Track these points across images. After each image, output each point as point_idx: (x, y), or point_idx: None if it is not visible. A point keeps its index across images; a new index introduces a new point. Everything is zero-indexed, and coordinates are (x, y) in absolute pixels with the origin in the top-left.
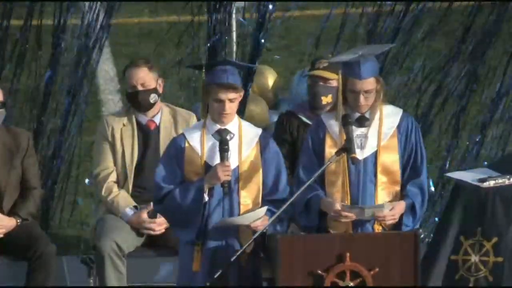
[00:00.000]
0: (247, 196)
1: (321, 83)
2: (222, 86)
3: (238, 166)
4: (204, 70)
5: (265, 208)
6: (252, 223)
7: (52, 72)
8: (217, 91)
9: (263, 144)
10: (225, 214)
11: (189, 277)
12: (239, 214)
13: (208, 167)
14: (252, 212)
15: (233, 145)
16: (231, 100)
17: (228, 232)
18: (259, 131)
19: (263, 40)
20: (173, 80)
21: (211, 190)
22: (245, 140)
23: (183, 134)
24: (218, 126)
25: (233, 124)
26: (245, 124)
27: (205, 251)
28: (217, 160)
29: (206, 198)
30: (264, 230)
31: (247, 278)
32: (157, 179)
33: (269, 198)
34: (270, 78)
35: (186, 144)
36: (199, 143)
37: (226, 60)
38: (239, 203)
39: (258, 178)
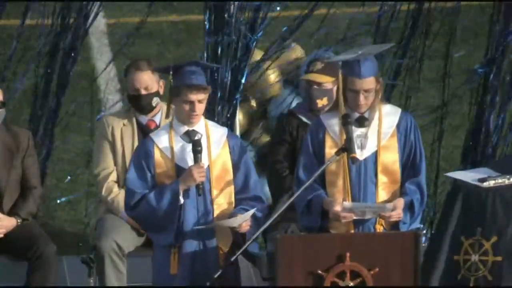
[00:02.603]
0: (220, 196)
1: (315, 87)
2: (191, 87)
3: (209, 166)
4: (171, 72)
5: (252, 211)
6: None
7: (50, 71)
8: (187, 92)
9: (231, 143)
10: (200, 215)
11: (166, 280)
12: (213, 214)
13: (178, 169)
14: (240, 216)
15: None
16: (200, 101)
17: (206, 234)
18: (225, 130)
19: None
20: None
21: (186, 192)
22: (213, 139)
23: (150, 138)
24: (185, 127)
25: (200, 124)
26: (211, 124)
27: (183, 254)
28: (188, 161)
29: (182, 200)
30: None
31: (228, 279)
32: (129, 184)
33: (241, 196)
34: (296, 53)
35: (155, 147)
36: (168, 145)
37: (193, 61)
38: (212, 203)
39: (230, 177)
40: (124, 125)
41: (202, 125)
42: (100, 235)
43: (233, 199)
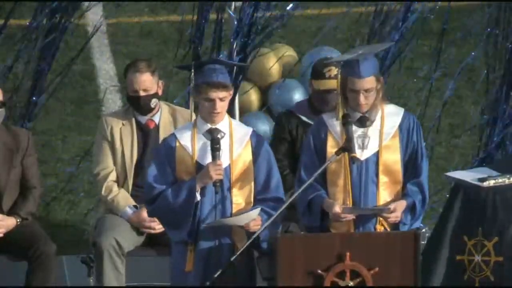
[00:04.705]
0: (239, 195)
1: (335, 92)
2: (212, 85)
3: (229, 165)
4: (193, 70)
5: (258, 210)
6: (245, 224)
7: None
8: (207, 90)
9: (254, 143)
10: (218, 213)
11: (181, 277)
12: (231, 213)
13: (199, 167)
14: (245, 213)
15: (224, 144)
16: (222, 99)
17: (221, 232)
18: (249, 130)
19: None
20: (172, 79)
21: (203, 190)
22: (236, 139)
23: (173, 134)
24: (208, 126)
25: (224, 123)
26: (235, 123)
27: (198, 251)
28: (208, 159)
29: (198, 197)
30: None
31: (243, 277)
32: (149, 179)
33: (261, 197)
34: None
35: (177, 144)
36: (190, 142)
37: (215, 59)
38: (231, 202)
39: (250, 176)
40: (123, 124)
41: (226, 124)
42: (100, 233)
43: (252, 199)
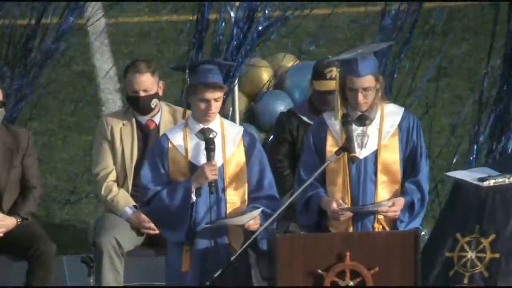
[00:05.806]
0: (233, 194)
1: (335, 92)
2: (207, 85)
3: (223, 165)
4: (187, 70)
5: (259, 210)
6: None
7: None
8: (203, 90)
9: (246, 142)
10: (213, 213)
11: (178, 277)
12: (226, 213)
13: (192, 167)
14: (247, 214)
15: (216, 143)
16: (216, 99)
17: (218, 232)
18: (241, 129)
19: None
20: (172, 79)
21: (198, 190)
22: (228, 138)
23: (165, 135)
24: (200, 125)
25: (215, 122)
26: (227, 123)
27: (195, 252)
28: (201, 159)
29: (194, 198)
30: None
31: (239, 277)
32: (143, 181)
33: (255, 195)
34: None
35: (170, 145)
36: (182, 143)
37: (209, 59)
38: (226, 202)
39: (244, 176)
40: (123, 125)
41: (217, 124)
42: (99, 232)
43: (246, 198)
